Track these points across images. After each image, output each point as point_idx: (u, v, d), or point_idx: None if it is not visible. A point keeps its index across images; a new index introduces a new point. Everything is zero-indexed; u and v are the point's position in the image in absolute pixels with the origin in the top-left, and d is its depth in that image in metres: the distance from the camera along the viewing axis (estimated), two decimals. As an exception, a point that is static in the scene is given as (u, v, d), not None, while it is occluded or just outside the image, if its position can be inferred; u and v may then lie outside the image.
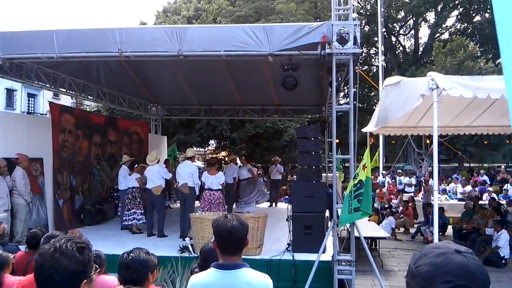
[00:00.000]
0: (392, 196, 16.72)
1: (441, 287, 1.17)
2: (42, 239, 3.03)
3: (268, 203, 14.27)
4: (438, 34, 32.73)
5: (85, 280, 1.70)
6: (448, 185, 18.66)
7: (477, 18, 31.60)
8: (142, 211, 9.42)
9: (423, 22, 33.89)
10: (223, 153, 25.10)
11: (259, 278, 2.46)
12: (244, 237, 2.46)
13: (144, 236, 8.86)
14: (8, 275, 3.44)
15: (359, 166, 6.12)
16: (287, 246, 7.14)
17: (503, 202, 13.87)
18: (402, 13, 33.27)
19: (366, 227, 9.18)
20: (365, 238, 6.97)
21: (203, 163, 24.79)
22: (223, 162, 18.44)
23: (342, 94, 16.42)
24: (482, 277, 1.19)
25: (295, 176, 17.73)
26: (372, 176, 6.67)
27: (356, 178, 6.03)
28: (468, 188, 17.31)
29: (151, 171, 9.17)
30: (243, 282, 2.39)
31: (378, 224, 11.30)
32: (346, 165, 17.18)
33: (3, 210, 7.45)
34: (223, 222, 2.45)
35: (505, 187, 17.22)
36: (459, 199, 15.99)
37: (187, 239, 7.54)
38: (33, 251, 3.97)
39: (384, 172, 20.06)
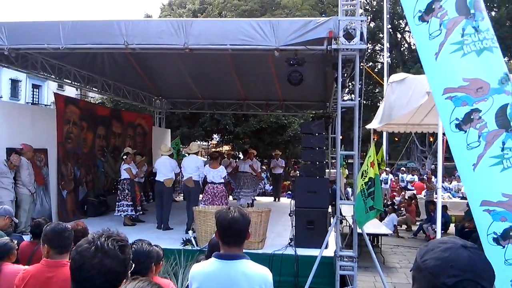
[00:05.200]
0: (394, 194, 16.74)
1: (447, 281, 1.18)
2: (44, 228, 3.04)
3: (272, 198, 14.32)
4: (444, 32, 32.56)
5: (124, 280, 1.60)
6: (450, 183, 18.65)
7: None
8: (129, 203, 9.17)
9: (429, 19, 33.72)
10: (226, 147, 25.09)
11: (258, 270, 2.47)
12: (244, 229, 2.48)
13: (146, 228, 8.87)
14: (9, 264, 3.46)
15: (365, 163, 6.04)
16: (290, 241, 7.15)
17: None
18: (408, 10, 33.07)
19: (368, 224, 9.14)
20: (367, 234, 6.98)
21: (206, 156, 24.76)
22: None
23: (346, 90, 16.37)
24: (488, 271, 1.21)
25: (298, 172, 17.75)
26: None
27: (366, 176, 5.92)
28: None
29: (162, 163, 9.09)
30: (241, 273, 2.41)
31: (381, 221, 11.31)
32: (349, 161, 17.25)
33: (9, 200, 7.51)
34: (225, 213, 2.49)
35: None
36: (462, 197, 15.97)
37: (190, 232, 7.58)
38: (38, 240, 4.01)
39: (387, 169, 20.05)
